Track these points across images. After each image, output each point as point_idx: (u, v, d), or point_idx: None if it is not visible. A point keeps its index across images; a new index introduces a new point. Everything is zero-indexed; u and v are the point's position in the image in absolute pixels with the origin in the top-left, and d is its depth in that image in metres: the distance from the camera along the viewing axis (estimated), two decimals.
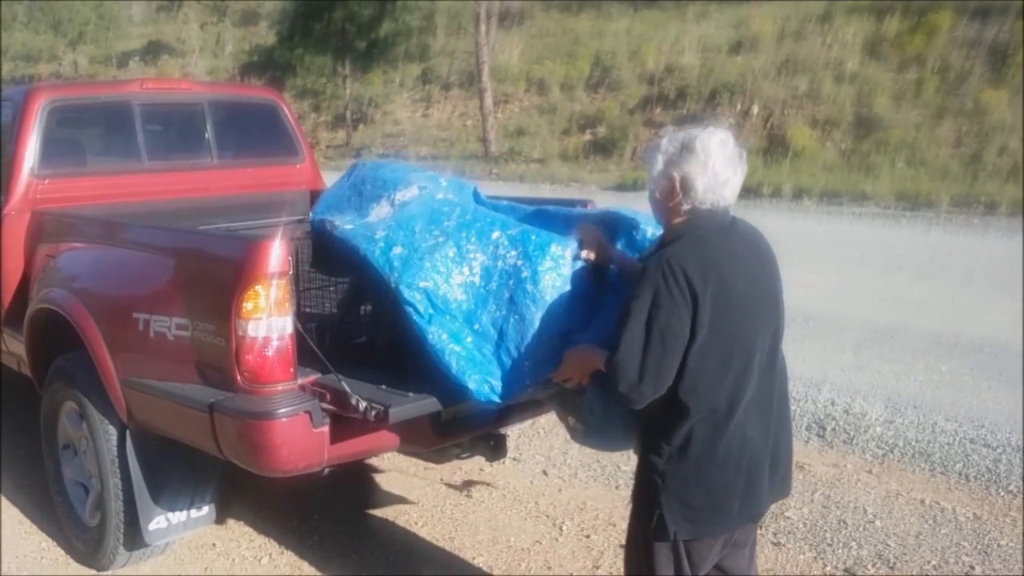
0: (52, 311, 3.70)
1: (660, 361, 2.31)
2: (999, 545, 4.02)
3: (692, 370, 2.34)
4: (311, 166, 5.36)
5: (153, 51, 36.16)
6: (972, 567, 3.83)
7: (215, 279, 3.05)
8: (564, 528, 4.19)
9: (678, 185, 2.42)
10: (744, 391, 2.40)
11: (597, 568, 3.86)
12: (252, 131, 5.24)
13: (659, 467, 2.44)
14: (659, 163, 2.47)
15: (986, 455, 4.92)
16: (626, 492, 4.52)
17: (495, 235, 2.94)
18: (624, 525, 4.15)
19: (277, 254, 2.85)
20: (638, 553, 2.60)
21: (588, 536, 4.12)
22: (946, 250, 10.74)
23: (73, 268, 3.86)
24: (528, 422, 4.76)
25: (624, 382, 2.33)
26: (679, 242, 2.40)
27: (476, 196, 3.49)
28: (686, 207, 2.44)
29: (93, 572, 3.81)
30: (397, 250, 2.92)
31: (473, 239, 2.93)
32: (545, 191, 16.82)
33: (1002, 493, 4.53)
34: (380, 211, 3.20)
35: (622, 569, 3.82)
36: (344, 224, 3.12)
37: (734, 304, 2.35)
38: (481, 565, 3.88)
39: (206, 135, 4.94)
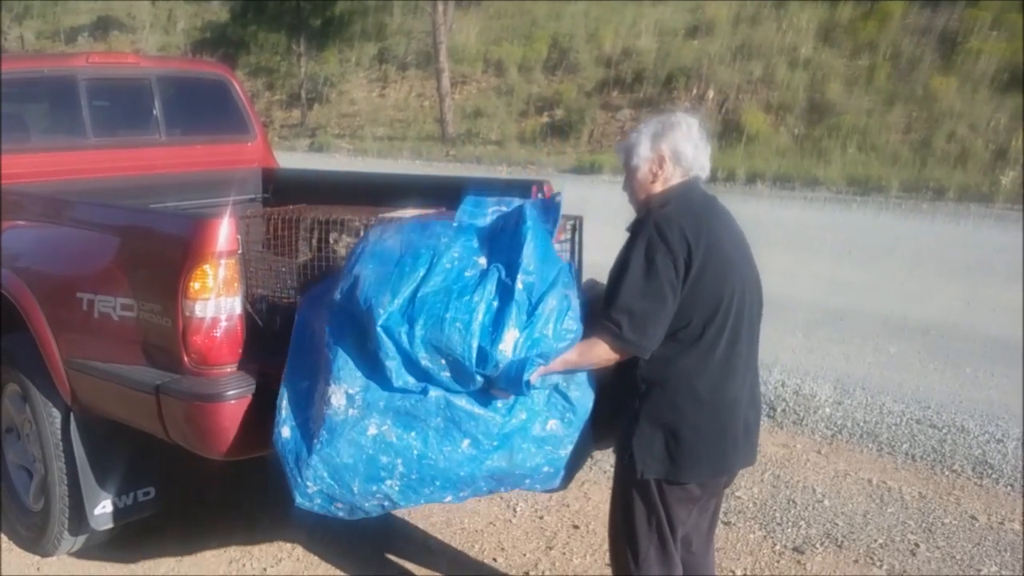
0: None
1: (660, 310, 2.42)
2: (943, 523, 4.10)
3: (675, 318, 2.46)
4: (263, 144, 5.26)
5: (103, 26, 35.29)
6: (917, 544, 3.91)
7: (161, 258, 2.99)
8: (518, 510, 4.19)
9: (668, 157, 2.58)
10: (721, 345, 2.49)
11: (550, 548, 3.87)
12: (202, 108, 5.13)
13: (633, 410, 2.53)
14: (645, 145, 2.61)
15: (932, 435, 5.02)
16: (579, 474, 4.54)
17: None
18: (577, 506, 4.19)
19: (225, 233, 2.80)
20: (617, 503, 2.68)
21: (542, 517, 4.13)
22: (895, 234, 10.92)
23: (16, 247, 3.75)
24: None
25: (632, 331, 2.42)
26: (669, 206, 2.53)
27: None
28: (674, 179, 2.60)
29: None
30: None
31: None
32: (502, 173, 16.77)
33: (947, 472, 4.63)
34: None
35: (574, 548, 3.86)
36: (384, 311, 2.50)
37: (721, 258, 2.49)
38: (434, 547, 3.87)
39: (154, 111, 4.82)
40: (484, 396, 2.54)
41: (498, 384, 2.48)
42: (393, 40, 26.15)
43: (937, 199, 13.38)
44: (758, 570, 3.74)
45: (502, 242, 2.61)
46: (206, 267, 2.79)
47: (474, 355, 2.42)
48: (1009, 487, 4.45)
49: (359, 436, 2.52)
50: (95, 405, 3.28)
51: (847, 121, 16.30)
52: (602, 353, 2.49)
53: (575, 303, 2.56)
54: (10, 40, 34.14)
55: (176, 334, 2.83)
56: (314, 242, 3.43)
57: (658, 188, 2.60)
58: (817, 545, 3.91)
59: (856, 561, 3.79)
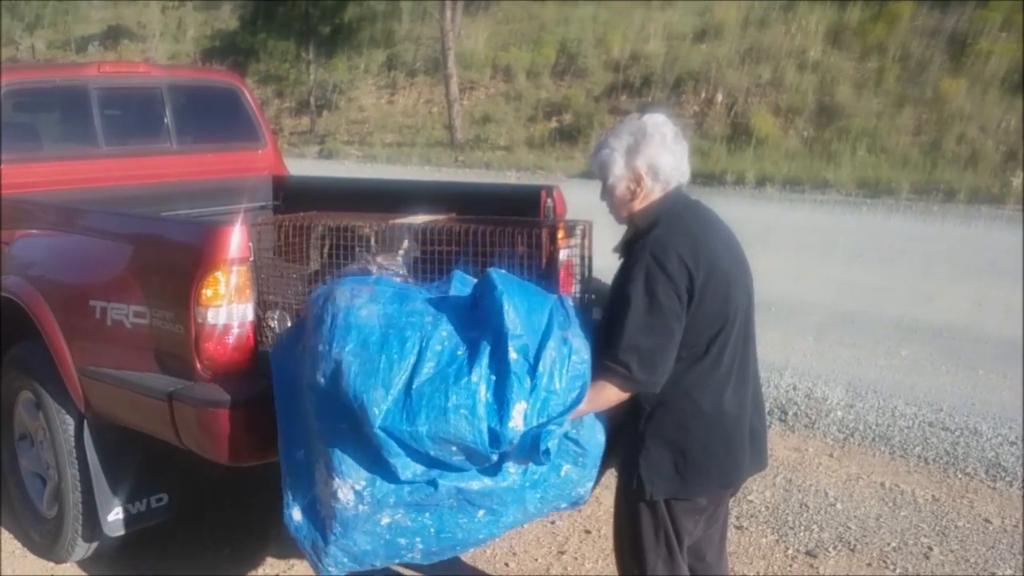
0: (7, 299, 3.62)
1: (668, 344, 2.35)
2: (957, 526, 4.09)
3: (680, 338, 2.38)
4: (273, 152, 5.28)
5: (113, 35, 35.49)
6: (931, 548, 3.90)
7: (173, 266, 3.01)
8: None
9: (645, 173, 2.44)
10: (725, 359, 2.44)
11: (562, 553, 3.87)
12: (212, 116, 5.15)
13: (638, 431, 2.47)
14: (619, 162, 2.47)
15: (944, 438, 5.00)
16: None
17: None
18: (588, 511, 4.19)
19: (237, 240, 2.82)
20: (623, 517, 2.62)
21: (553, 522, 4.13)
22: (906, 236, 10.89)
23: (29, 255, 3.77)
24: None
25: (641, 371, 2.34)
26: (660, 224, 2.43)
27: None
28: (655, 194, 2.48)
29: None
30: None
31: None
32: (511, 178, 16.80)
33: (960, 475, 4.61)
34: None
35: (586, 553, 3.85)
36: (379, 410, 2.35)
37: (721, 275, 2.40)
38: None
39: (165, 120, 4.85)
40: (496, 470, 2.46)
41: (514, 456, 2.40)
42: (402, 47, 26.22)
43: (948, 201, 13.35)
44: (771, 574, 3.73)
45: (483, 311, 2.47)
46: (218, 274, 2.80)
47: (486, 438, 2.31)
48: (1023, 490, 4.43)
49: (374, 527, 2.46)
50: (108, 412, 3.29)
51: (856, 123, 16.28)
52: (611, 396, 2.42)
53: (576, 342, 2.43)
54: (22, 50, 34.40)
55: (189, 341, 2.84)
56: (325, 250, 3.44)
57: (639, 205, 2.50)
58: (830, 549, 3.90)
59: (869, 565, 3.78)
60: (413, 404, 2.30)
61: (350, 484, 2.40)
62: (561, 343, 2.40)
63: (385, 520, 2.45)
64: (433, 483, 2.40)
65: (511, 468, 2.47)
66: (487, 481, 2.45)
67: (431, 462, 2.37)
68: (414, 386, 2.32)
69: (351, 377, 2.34)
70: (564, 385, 2.36)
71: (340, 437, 2.41)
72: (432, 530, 2.49)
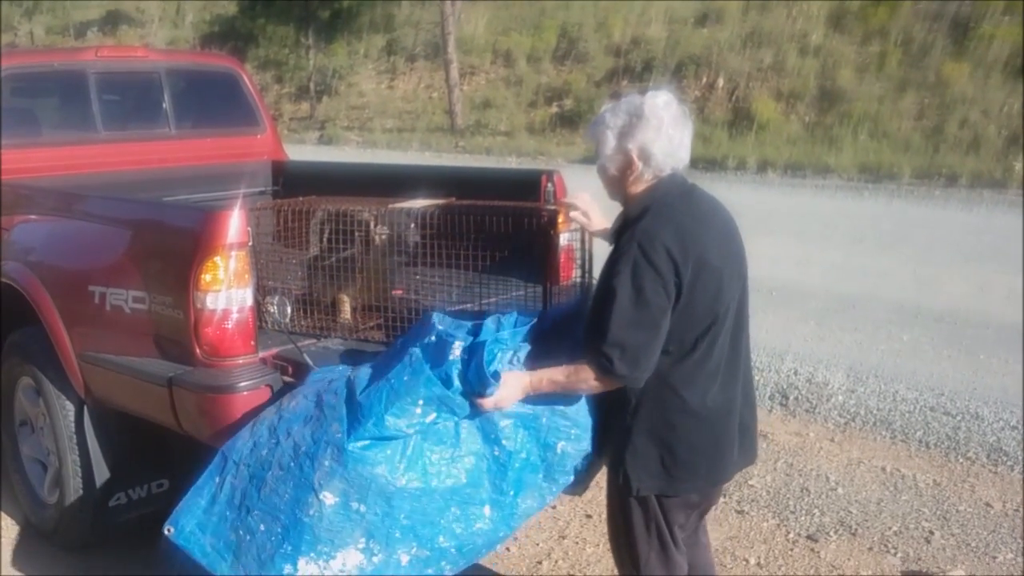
0: (6, 284, 3.62)
1: (653, 339, 2.29)
2: (958, 510, 4.09)
3: (667, 337, 2.32)
4: (272, 137, 5.27)
5: (112, 21, 35.34)
6: (932, 532, 3.90)
7: (172, 251, 3.00)
8: None
9: (636, 157, 2.37)
10: (714, 354, 2.38)
11: (563, 538, 3.88)
12: (211, 100, 5.13)
13: (625, 425, 2.43)
14: (610, 139, 2.41)
15: (946, 423, 5.00)
16: None
17: None
18: (589, 496, 4.18)
19: (236, 225, 2.81)
20: (614, 510, 2.60)
21: (554, 507, 4.13)
22: (908, 222, 10.86)
23: (28, 240, 3.77)
24: None
25: (624, 365, 2.29)
26: (649, 213, 2.36)
27: None
28: (647, 177, 2.41)
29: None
30: None
31: None
32: (512, 164, 16.75)
33: (961, 460, 4.61)
34: None
35: (587, 538, 3.86)
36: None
37: (710, 269, 2.33)
38: None
39: (163, 104, 4.83)
40: (477, 458, 2.50)
41: (474, 389, 2.40)
42: (401, 31, 26.09)
43: (949, 186, 13.30)
44: (772, 558, 3.73)
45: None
46: (217, 259, 2.79)
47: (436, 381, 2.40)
48: None
49: (396, 570, 2.44)
50: (108, 398, 3.29)
51: (858, 108, 16.20)
52: (591, 381, 2.36)
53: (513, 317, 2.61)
54: (20, 36, 34.26)
55: (188, 326, 2.84)
56: (325, 235, 3.43)
57: (631, 187, 2.43)
58: (831, 533, 3.90)
59: (870, 549, 3.78)
60: (362, 410, 2.40)
61: (351, 547, 2.40)
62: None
63: (404, 559, 2.44)
64: (426, 491, 2.44)
65: (494, 450, 2.51)
66: (464, 472, 2.49)
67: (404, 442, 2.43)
68: (346, 448, 2.40)
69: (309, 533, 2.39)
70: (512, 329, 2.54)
71: (309, 519, 2.40)
72: (453, 550, 2.49)
